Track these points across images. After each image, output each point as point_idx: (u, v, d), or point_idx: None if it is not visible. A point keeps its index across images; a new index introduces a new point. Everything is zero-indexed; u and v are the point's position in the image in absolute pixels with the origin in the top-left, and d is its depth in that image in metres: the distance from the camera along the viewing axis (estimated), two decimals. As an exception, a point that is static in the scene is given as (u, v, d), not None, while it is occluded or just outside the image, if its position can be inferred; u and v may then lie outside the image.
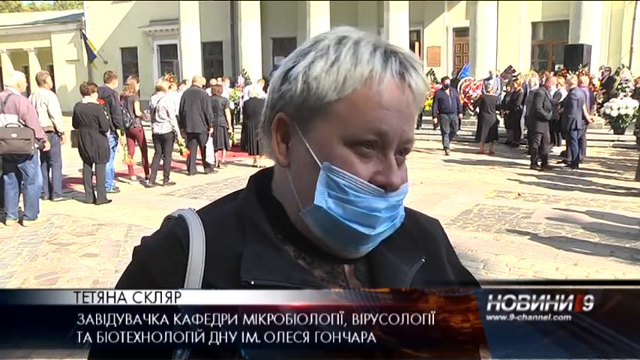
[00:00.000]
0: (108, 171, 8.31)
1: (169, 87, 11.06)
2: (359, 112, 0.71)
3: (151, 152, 9.41)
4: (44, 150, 6.97)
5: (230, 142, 11.39)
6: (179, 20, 21.33)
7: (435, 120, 12.58)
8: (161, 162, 9.20)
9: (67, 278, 4.80)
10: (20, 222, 6.58)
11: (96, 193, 7.74)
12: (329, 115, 0.72)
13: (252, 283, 0.69)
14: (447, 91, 12.84)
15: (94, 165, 7.72)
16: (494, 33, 16.93)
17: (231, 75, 20.28)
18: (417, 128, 16.13)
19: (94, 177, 7.84)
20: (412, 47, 19.91)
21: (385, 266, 0.79)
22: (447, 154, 12.59)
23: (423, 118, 16.54)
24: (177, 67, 22.06)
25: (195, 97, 9.74)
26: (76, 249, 5.67)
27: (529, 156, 12.22)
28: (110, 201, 7.75)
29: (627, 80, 14.31)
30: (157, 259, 0.74)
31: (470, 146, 14.21)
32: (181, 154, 10.00)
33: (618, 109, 13.17)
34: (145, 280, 0.71)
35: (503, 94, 14.03)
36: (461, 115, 13.26)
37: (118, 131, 8.68)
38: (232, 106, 13.59)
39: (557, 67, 16.90)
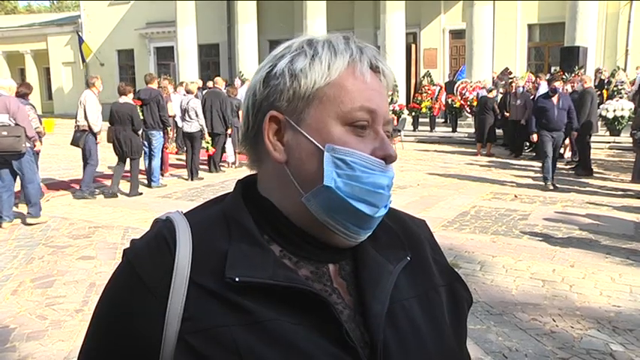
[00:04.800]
0: (155, 165, 9.13)
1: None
2: (348, 91, 0.75)
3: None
4: (36, 150, 6.94)
5: None
6: (176, 22, 21.28)
7: (536, 137, 9.08)
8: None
9: (64, 281, 4.78)
10: (24, 222, 6.69)
11: (129, 186, 8.41)
12: (321, 100, 0.75)
13: (237, 280, 0.70)
14: (555, 99, 8.78)
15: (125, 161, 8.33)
16: (490, 35, 16.93)
17: (227, 77, 20.22)
18: (414, 130, 16.39)
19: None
20: (409, 49, 19.92)
21: (370, 265, 0.79)
22: (548, 188, 8.67)
23: (420, 120, 16.63)
24: (174, 70, 22.02)
25: (215, 99, 10.11)
26: (72, 252, 5.64)
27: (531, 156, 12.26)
28: (141, 194, 8.38)
29: (623, 82, 14.36)
30: (145, 259, 0.75)
31: (467, 148, 14.25)
32: (207, 151, 10.34)
33: (614, 110, 13.23)
34: (134, 280, 0.73)
35: (500, 96, 14.02)
36: (575, 134, 9.76)
37: (168, 128, 9.21)
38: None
39: (553, 69, 16.96)
